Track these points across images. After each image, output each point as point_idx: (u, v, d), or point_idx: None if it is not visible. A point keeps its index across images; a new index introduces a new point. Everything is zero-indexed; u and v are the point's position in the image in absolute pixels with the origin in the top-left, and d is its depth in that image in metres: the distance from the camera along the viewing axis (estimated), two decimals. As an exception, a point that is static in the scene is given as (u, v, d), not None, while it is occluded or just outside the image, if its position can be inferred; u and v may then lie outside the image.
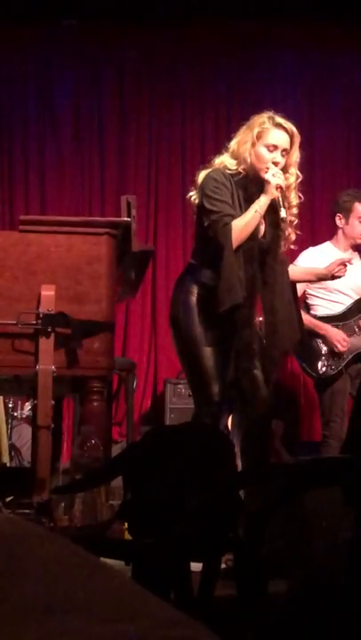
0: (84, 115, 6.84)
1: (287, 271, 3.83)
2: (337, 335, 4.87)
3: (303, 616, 1.49)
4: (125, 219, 3.65)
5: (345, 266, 4.22)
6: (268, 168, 3.57)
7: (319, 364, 4.89)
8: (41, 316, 3.32)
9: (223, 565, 2.38)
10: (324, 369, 4.88)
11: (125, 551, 2.34)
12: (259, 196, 3.59)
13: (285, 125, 3.64)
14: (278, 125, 3.63)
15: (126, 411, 5.35)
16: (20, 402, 5.89)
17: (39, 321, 3.32)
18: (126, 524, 2.62)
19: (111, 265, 3.49)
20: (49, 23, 6.65)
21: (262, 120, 3.64)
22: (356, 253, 5.14)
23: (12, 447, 5.54)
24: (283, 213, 3.56)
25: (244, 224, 3.55)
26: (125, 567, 2.29)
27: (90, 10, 6.55)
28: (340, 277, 4.27)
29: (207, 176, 3.62)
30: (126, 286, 4.08)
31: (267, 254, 3.66)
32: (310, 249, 5.17)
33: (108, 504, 2.97)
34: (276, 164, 3.58)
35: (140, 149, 6.78)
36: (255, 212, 3.55)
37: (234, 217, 3.55)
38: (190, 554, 2.06)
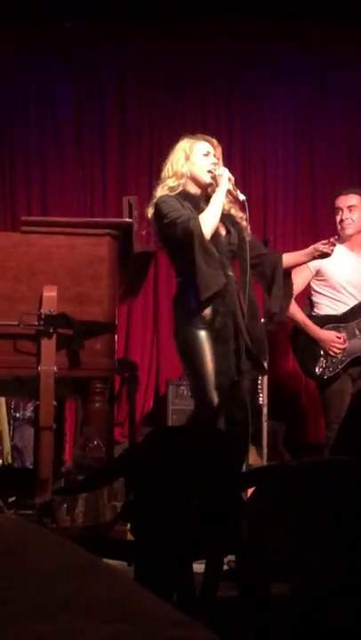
0: (86, 116, 6.84)
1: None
2: (329, 338, 4.85)
3: (306, 618, 1.49)
4: (127, 220, 3.66)
5: (333, 245, 4.25)
6: (212, 170, 3.90)
7: (317, 365, 4.87)
8: (43, 316, 3.32)
9: (225, 567, 2.38)
10: (321, 370, 4.85)
11: (128, 552, 2.34)
12: (205, 203, 3.86)
13: (207, 137, 4.04)
14: (202, 138, 4.02)
15: (128, 412, 5.35)
16: (22, 403, 5.89)
17: (41, 322, 3.32)
18: (128, 524, 2.62)
19: (113, 266, 3.50)
20: (50, 25, 6.65)
21: (186, 140, 4.00)
22: None
23: (15, 448, 5.54)
24: (242, 196, 3.91)
25: (211, 211, 3.79)
26: (128, 568, 2.29)
27: (91, 12, 6.55)
28: (328, 255, 4.30)
29: (155, 205, 3.81)
30: (128, 287, 4.09)
31: (237, 249, 3.88)
32: None
33: (110, 505, 2.97)
34: (215, 164, 3.93)
35: (141, 150, 6.77)
36: (217, 201, 3.83)
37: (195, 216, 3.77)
38: (193, 555, 2.06)
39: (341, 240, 5.10)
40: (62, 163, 6.77)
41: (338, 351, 4.81)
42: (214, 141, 4.03)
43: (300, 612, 1.50)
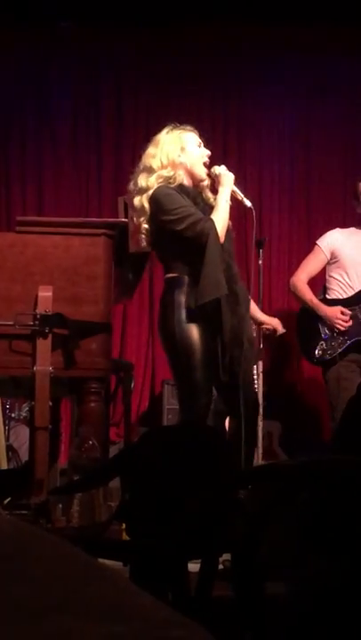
0: (82, 116, 6.84)
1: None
2: (333, 314, 4.79)
3: (301, 618, 1.49)
4: (122, 220, 3.65)
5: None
6: (207, 162, 3.81)
7: (317, 347, 4.82)
8: (38, 316, 3.32)
9: (220, 566, 2.38)
10: (320, 353, 4.80)
11: (123, 552, 2.34)
12: (200, 198, 3.76)
13: (192, 127, 3.89)
14: (189, 129, 3.87)
15: (124, 412, 5.35)
16: (17, 403, 5.88)
17: (36, 322, 3.32)
18: (124, 524, 2.62)
19: (108, 266, 3.49)
20: (46, 25, 6.65)
21: (176, 130, 3.84)
22: None
23: (10, 448, 5.53)
24: (248, 202, 3.78)
25: (223, 216, 3.67)
26: (123, 568, 2.29)
27: (87, 12, 6.54)
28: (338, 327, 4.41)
29: (156, 195, 3.65)
30: (123, 287, 4.08)
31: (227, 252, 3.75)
32: (337, 229, 5.11)
33: (105, 505, 2.97)
34: (209, 156, 3.83)
35: (137, 150, 6.76)
36: (225, 202, 3.70)
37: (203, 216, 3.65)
38: (188, 555, 2.06)
39: None
40: (58, 163, 6.77)
41: (342, 327, 4.75)
42: (197, 132, 3.90)
43: (295, 612, 1.50)
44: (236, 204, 3.79)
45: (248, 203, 3.80)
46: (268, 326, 4.36)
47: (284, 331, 4.42)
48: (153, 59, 6.81)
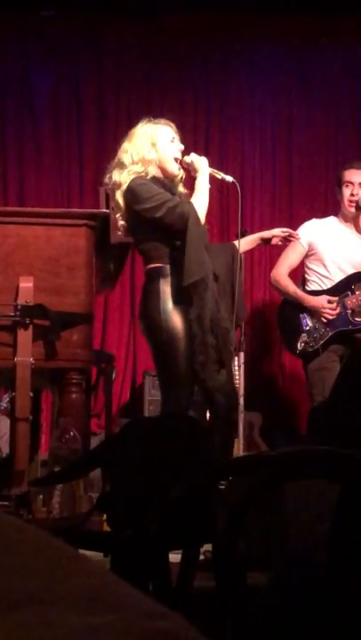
0: (63, 106, 6.81)
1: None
2: (320, 304, 4.77)
3: (282, 608, 1.49)
4: (104, 210, 3.64)
5: (287, 238, 4.31)
6: (179, 157, 3.79)
7: (299, 340, 4.82)
8: (19, 307, 3.30)
9: (202, 557, 2.39)
10: (302, 345, 4.81)
11: (104, 543, 2.34)
12: (176, 190, 3.76)
13: (167, 121, 3.88)
14: (164, 122, 3.86)
15: (105, 403, 5.35)
16: (-3, 394, 5.86)
17: (17, 313, 3.30)
18: (105, 515, 2.62)
19: (90, 256, 3.48)
20: (27, 13, 6.61)
21: (148, 125, 3.84)
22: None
23: (-10, 439, 5.51)
24: (229, 178, 3.83)
25: (201, 197, 3.69)
26: (104, 559, 2.29)
27: (69, 0, 6.51)
28: (282, 239, 4.36)
29: (131, 186, 3.68)
30: (105, 278, 4.07)
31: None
32: (313, 220, 5.08)
33: (86, 496, 2.96)
34: (182, 150, 3.82)
35: (118, 140, 6.73)
36: (205, 184, 3.72)
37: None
38: (169, 545, 2.06)
39: (344, 221, 4.98)
40: (39, 153, 6.74)
41: (331, 316, 4.73)
42: (174, 126, 3.88)
43: (276, 602, 1.51)
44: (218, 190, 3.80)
45: (229, 178, 3.83)
46: (267, 236, 4.30)
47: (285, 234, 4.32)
48: (136, 49, 6.78)
